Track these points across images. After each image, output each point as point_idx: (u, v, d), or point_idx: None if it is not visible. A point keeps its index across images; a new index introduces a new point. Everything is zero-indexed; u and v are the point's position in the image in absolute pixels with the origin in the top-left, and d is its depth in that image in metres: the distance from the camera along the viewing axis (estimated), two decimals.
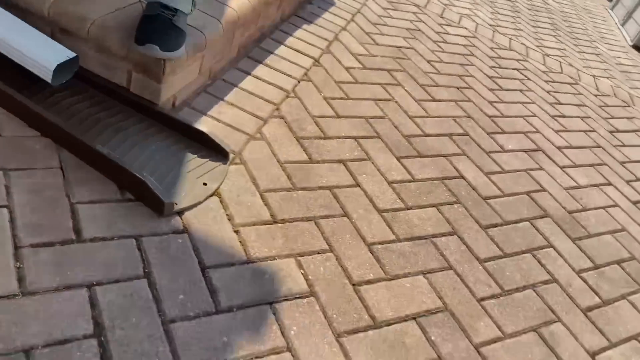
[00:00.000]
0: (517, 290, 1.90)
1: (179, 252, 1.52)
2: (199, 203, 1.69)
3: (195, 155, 1.82)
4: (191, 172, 1.75)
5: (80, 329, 1.25)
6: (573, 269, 2.11)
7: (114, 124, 1.77)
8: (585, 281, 2.07)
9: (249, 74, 2.34)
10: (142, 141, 1.76)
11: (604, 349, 1.82)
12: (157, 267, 1.45)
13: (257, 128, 2.09)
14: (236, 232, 1.66)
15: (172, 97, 1.95)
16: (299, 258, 1.67)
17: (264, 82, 2.33)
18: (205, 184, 1.74)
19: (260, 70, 2.40)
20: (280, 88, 2.35)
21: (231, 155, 1.89)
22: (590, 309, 1.96)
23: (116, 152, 1.67)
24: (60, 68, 1.68)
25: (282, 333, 1.44)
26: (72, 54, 1.72)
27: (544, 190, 2.49)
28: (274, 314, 1.48)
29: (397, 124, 2.49)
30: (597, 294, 2.04)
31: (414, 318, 1.64)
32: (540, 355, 1.70)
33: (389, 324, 1.59)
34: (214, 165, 1.82)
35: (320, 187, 1.96)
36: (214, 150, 1.86)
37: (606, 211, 2.55)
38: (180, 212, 1.63)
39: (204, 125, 1.96)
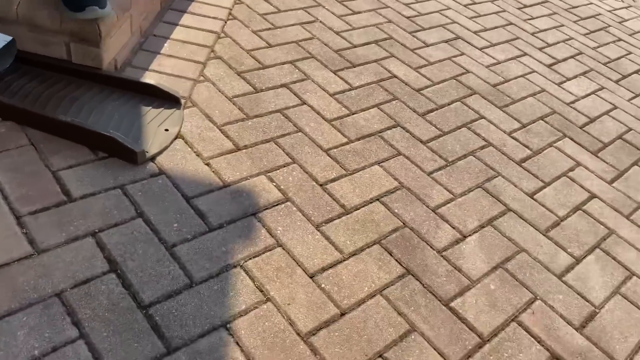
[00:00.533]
0: (459, 159, 2.18)
1: (162, 190, 1.70)
2: (167, 147, 1.85)
3: (150, 107, 1.95)
4: (151, 122, 1.90)
5: (97, 268, 1.43)
6: (504, 132, 2.40)
7: (68, 95, 1.88)
8: (516, 139, 2.37)
9: (176, 24, 2.44)
10: (98, 105, 1.88)
11: (540, 189, 2.14)
12: (146, 206, 1.63)
13: (199, 72, 2.22)
14: (207, 164, 1.84)
15: (113, 60, 2.05)
16: (268, 174, 1.87)
17: (193, 29, 2.44)
18: (167, 129, 1.90)
19: (186, 19, 2.50)
20: (210, 31, 2.47)
21: (182, 100, 2.04)
22: (523, 160, 2.27)
23: (79, 118, 1.79)
24: None
25: (271, 234, 1.67)
26: (8, 38, 1.80)
27: (468, 72, 2.75)
28: (259, 221, 1.69)
29: (326, 41, 2.66)
30: (527, 147, 2.35)
31: (377, 199, 1.90)
32: (488, 204, 2.00)
33: (358, 209, 1.84)
34: (169, 112, 1.97)
35: (271, 112, 2.14)
36: (165, 99, 2.00)
37: (525, 78, 2.84)
38: (152, 159, 1.79)
39: (149, 79, 2.08)
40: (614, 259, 1.92)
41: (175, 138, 1.89)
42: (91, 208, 1.58)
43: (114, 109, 1.89)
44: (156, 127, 1.89)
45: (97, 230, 1.53)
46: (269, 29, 2.63)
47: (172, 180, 1.74)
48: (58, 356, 1.24)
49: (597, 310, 1.71)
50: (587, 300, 1.73)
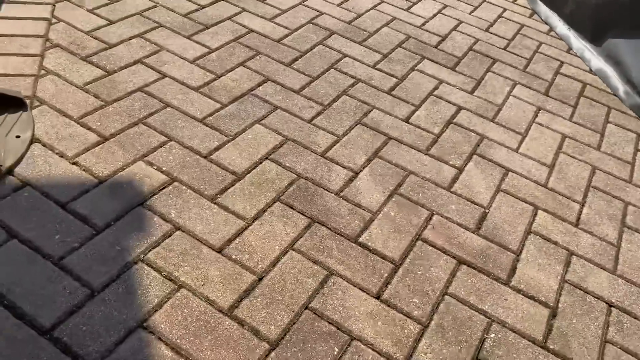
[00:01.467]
0: (334, 100, 2.20)
1: (30, 203, 1.52)
2: (23, 155, 1.65)
3: None
4: None
5: None
6: (369, 66, 2.45)
7: None
8: (380, 70, 2.44)
9: None
10: None
11: (412, 112, 2.23)
12: (18, 224, 1.46)
13: (38, 65, 1.99)
14: (74, 163, 1.67)
15: None
16: (145, 158, 1.75)
17: (18, 20, 2.16)
18: (18, 136, 1.69)
19: (6, 10, 2.20)
20: (39, 18, 2.20)
21: (27, 100, 1.82)
22: (392, 89, 2.34)
23: None
24: None
25: (165, 219, 1.58)
26: None
27: (322, 14, 2.74)
28: (149, 209, 1.59)
29: (172, 7, 2.50)
30: (393, 75, 2.43)
31: (266, 158, 1.86)
32: (369, 137, 2.05)
33: (249, 171, 1.80)
34: (15, 116, 1.75)
35: (131, 92, 1.99)
36: (7, 104, 1.77)
37: (376, 10, 2.90)
38: (9, 171, 1.59)
39: None
40: (490, 160, 2.08)
41: (31, 143, 1.69)
42: None
43: None
44: (4, 137, 1.67)
45: None
46: (106, 4, 2.40)
47: (40, 190, 1.56)
48: None
49: (487, 211, 1.86)
50: (477, 204, 1.88)
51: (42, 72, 1.97)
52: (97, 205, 1.56)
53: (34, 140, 1.71)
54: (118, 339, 1.27)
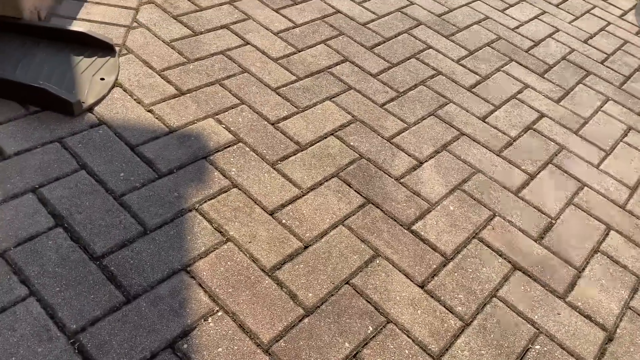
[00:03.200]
0: (410, 89, 2.15)
1: (103, 141, 1.60)
2: (104, 97, 1.74)
3: (82, 56, 1.82)
4: (85, 72, 1.77)
5: (42, 224, 1.35)
6: (452, 60, 2.38)
7: None
8: (464, 66, 2.36)
9: None
10: (24, 56, 1.74)
11: (491, 112, 2.14)
12: (89, 158, 1.54)
13: (132, 18, 2.09)
14: (149, 111, 1.74)
15: (35, 9, 1.89)
16: (216, 116, 1.79)
17: None
18: (102, 79, 1.78)
19: None
20: None
21: (117, 48, 1.91)
22: (473, 86, 2.26)
23: (3, 72, 1.65)
24: None
25: (225, 175, 1.61)
26: None
27: (412, 3, 2.70)
28: (211, 164, 1.63)
29: None
30: (476, 73, 2.34)
31: (332, 134, 1.85)
32: (441, 130, 1.99)
33: (313, 144, 1.79)
34: (103, 60, 1.84)
35: (213, 54, 2.04)
36: (98, 48, 1.87)
37: (469, 7, 2.81)
38: (90, 109, 1.68)
39: (78, 28, 1.93)
40: (566, 172, 1.96)
41: (113, 87, 1.78)
42: (28, 164, 1.47)
43: (43, 60, 1.75)
44: (91, 77, 1.76)
45: (37, 186, 1.43)
46: None
47: (114, 130, 1.64)
48: (8, 316, 1.16)
49: (553, 222, 1.75)
50: (543, 213, 1.77)
51: (135, 24, 2.07)
52: (164, 152, 1.62)
53: (116, 84, 1.79)
54: (161, 277, 1.31)
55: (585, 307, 1.51)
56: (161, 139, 1.66)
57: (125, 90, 1.78)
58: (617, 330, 1.48)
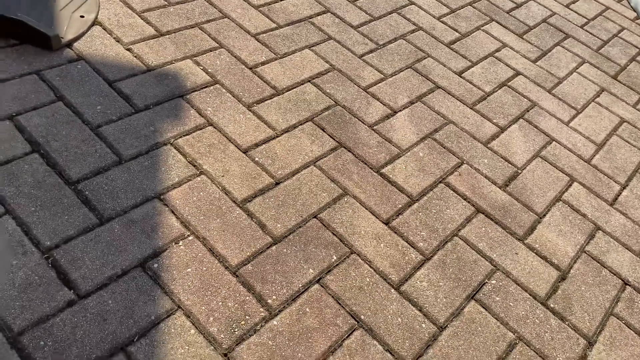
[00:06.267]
0: (390, 42, 2.18)
1: (81, 75, 1.62)
2: (84, 34, 1.75)
3: None
4: (65, 9, 1.78)
5: (18, 149, 1.38)
6: (433, 16, 2.41)
7: None
8: (445, 23, 2.39)
9: None
10: None
11: (468, 68, 2.19)
12: (66, 90, 1.56)
13: None
14: (128, 49, 1.76)
15: None
16: (194, 58, 1.82)
17: None
18: (82, 16, 1.79)
19: None
20: None
21: None
22: (452, 42, 2.30)
23: None
24: None
25: (200, 114, 1.64)
26: None
27: None
28: (188, 102, 1.66)
29: None
30: (456, 30, 2.37)
31: (309, 81, 1.89)
32: (417, 82, 2.03)
33: (289, 89, 1.83)
34: None
35: None
36: None
37: None
38: (69, 45, 1.70)
39: None
40: (536, 127, 2.02)
41: (92, 25, 1.79)
42: (5, 93, 1.50)
43: None
44: (70, 14, 1.77)
45: (14, 114, 1.46)
46: None
47: (92, 65, 1.66)
48: None
49: (519, 171, 1.82)
50: (510, 163, 1.83)
51: None
52: (141, 88, 1.64)
53: (95, 22, 1.80)
54: (134, 203, 1.35)
55: (542, 249, 1.59)
56: (139, 76, 1.68)
57: (104, 29, 1.80)
58: (571, 270, 1.56)
